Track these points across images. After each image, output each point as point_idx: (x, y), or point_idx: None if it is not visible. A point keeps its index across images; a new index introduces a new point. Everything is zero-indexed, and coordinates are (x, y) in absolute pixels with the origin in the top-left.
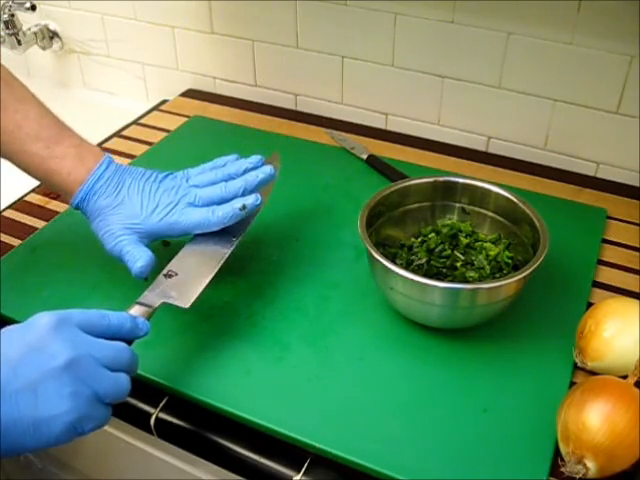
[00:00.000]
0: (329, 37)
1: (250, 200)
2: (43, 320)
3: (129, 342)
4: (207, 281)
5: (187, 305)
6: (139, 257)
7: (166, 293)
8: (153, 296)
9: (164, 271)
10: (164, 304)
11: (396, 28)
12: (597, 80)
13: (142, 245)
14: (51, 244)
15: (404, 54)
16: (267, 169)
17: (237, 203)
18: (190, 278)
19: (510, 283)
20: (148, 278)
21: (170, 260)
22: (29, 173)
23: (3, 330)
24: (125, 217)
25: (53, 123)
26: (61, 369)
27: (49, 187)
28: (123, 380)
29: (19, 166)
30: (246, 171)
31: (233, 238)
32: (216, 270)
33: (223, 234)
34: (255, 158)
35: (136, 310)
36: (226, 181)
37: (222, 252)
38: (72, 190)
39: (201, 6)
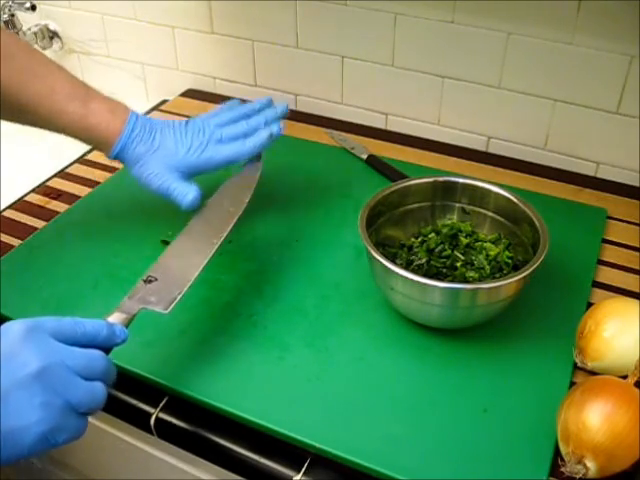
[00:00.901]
0: (329, 37)
1: (275, 129)
2: (14, 328)
3: (108, 350)
4: (188, 285)
5: (167, 310)
6: (187, 191)
7: (145, 299)
8: (132, 303)
9: (143, 277)
10: (143, 310)
11: (396, 28)
12: (597, 80)
13: (187, 181)
14: (51, 244)
15: (404, 54)
16: (281, 105)
17: (264, 132)
18: (170, 283)
19: (510, 283)
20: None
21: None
22: (67, 132)
23: None
24: (165, 158)
25: (80, 82)
26: (32, 378)
27: (87, 142)
28: (98, 389)
29: (57, 128)
30: (260, 109)
31: (214, 241)
32: (197, 274)
33: (204, 237)
34: (265, 98)
35: (115, 317)
36: (245, 119)
37: (203, 256)
38: (111, 141)
39: (201, 6)
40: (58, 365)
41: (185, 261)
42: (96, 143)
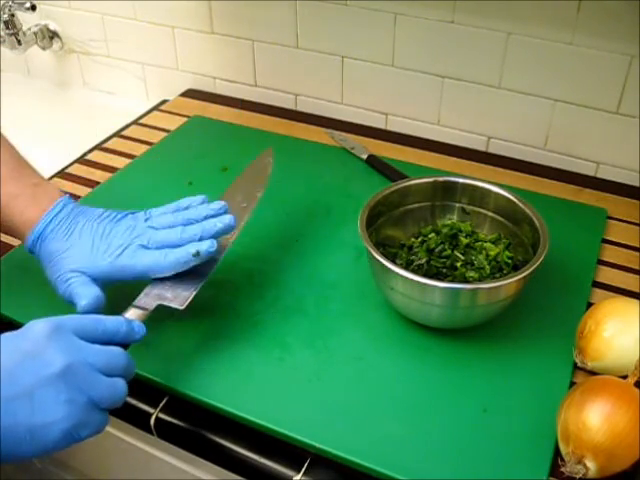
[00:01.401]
0: (329, 37)
1: (204, 246)
2: (38, 327)
3: (125, 346)
4: (202, 282)
5: (182, 306)
6: (84, 295)
7: (162, 295)
8: (149, 299)
9: None
10: (160, 306)
11: (396, 28)
12: (597, 80)
13: (92, 285)
14: None
15: (404, 54)
16: (226, 219)
17: (191, 248)
18: (185, 280)
19: (510, 283)
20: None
21: None
22: None
23: None
24: (74, 261)
25: (12, 159)
26: (57, 376)
27: (4, 230)
28: (119, 385)
29: None
30: (206, 217)
31: (228, 238)
32: (212, 271)
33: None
34: (218, 204)
35: (132, 313)
36: (184, 225)
37: (217, 252)
38: (24, 232)
39: (201, 6)
40: (81, 363)
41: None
42: (11, 232)
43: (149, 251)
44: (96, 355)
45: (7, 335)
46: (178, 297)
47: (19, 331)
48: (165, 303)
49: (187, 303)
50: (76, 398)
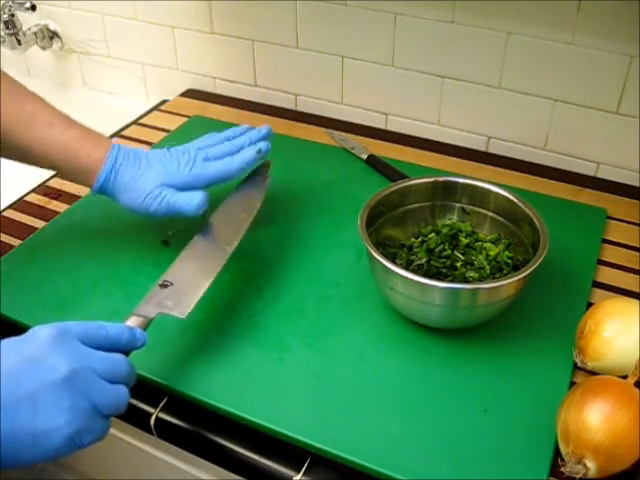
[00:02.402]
0: (329, 37)
1: (262, 145)
2: (42, 332)
3: (126, 353)
4: (203, 290)
5: (184, 315)
6: (191, 197)
7: (162, 304)
8: (149, 307)
9: (159, 281)
10: (160, 314)
11: (396, 28)
12: (597, 80)
13: (186, 191)
14: (51, 244)
15: (404, 54)
16: (265, 127)
17: (251, 149)
18: (186, 288)
19: (510, 283)
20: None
21: (168, 264)
22: (48, 161)
23: (2, 342)
24: (155, 180)
25: (58, 111)
26: (60, 381)
27: (70, 173)
28: (122, 392)
29: (37, 157)
30: (242, 133)
31: (227, 248)
32: (212, 280)
33: (217, 243)
34: (245, 126)
35: (133, 321)
36: (228, 140)
37: (217, 261)
38: (94, 170)
39: (201, 6)
40: (85, 369)
41: (200, 266)
42: (79, 173)
43: (213, 162)
44: (100, 361)
45: (11, 340)
46: (179, 306)
47: (24, 336)
48: (166, 312)
49: (189, 312)
50: (79, 404)
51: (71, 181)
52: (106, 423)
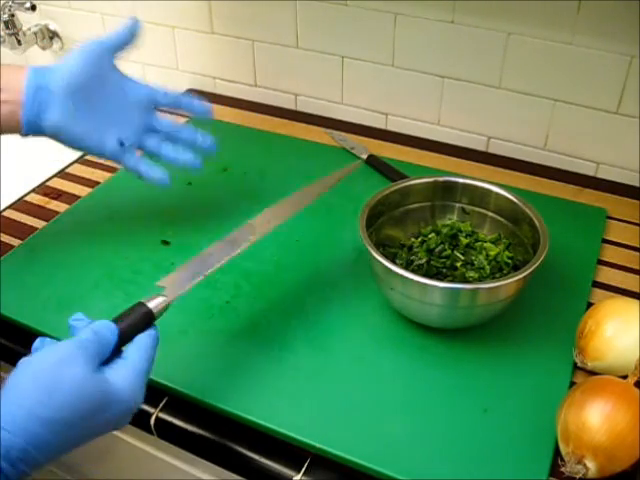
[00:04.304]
0: (329, 37)
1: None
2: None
3: (152, 320)
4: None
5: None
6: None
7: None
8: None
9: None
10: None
11: (396, 28)
12: (597, 80)
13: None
14: (51, 244)
15: (404, 54)
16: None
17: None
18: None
19: (510, 283)
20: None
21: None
22: None
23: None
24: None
25: None
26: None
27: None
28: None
29: None
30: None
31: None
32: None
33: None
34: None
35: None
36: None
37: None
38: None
39: (201, 6)
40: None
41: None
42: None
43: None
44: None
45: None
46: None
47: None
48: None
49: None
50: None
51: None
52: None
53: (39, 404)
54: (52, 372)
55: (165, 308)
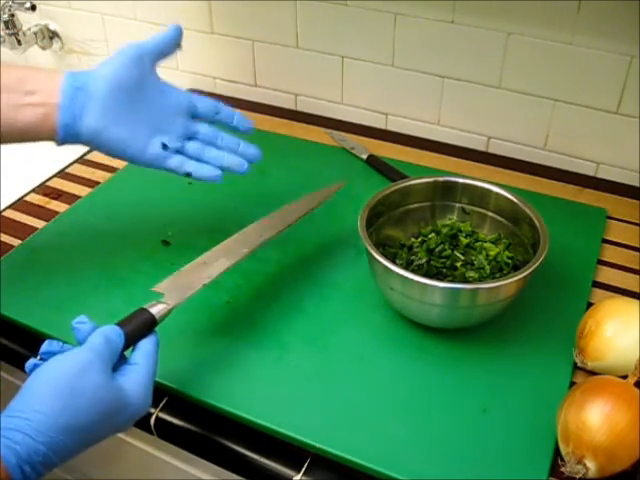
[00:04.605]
0: (329, 37)
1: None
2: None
3: (154, 325)
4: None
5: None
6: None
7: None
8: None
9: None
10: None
11: (396, 28)
12: (597, 80)
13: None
14: (51, 244)
15: (404, 54)
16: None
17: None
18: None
19: (510, 283)
20: None
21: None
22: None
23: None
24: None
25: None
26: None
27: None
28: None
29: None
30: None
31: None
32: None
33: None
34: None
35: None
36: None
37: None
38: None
39: (201, 6)
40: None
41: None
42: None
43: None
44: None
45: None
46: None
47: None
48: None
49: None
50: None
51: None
52: None
53: (60, 411)
54: (72, 379)
55: (166, 315)
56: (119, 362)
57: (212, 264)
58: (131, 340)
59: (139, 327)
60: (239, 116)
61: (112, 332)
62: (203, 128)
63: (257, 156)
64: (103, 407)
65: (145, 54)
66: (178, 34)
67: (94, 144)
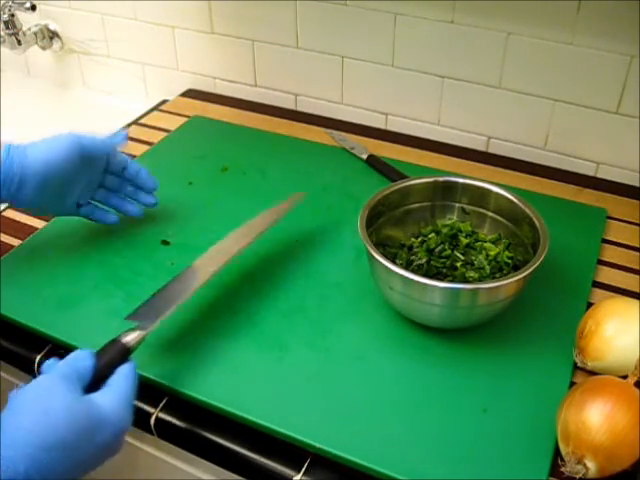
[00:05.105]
0: (329, 37)
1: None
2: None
3: (128, 354)
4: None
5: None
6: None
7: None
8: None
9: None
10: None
11: (396, 28)
12: (597, 80)
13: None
14: (51, 244)
15: (404, 54)
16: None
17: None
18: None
19: (510, 283)
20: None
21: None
22: None
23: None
24: None
25: None
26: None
27: None
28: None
29: None
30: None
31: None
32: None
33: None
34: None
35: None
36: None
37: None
38: None
39: (201, 6)
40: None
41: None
42: None
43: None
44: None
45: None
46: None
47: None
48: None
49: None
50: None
51: None
52: None
53: (37, 424)
54: (45, 395)
55: (140, 342)
56: (98, 386)
57: (185, 282)
58: (106, 370)
59: (113, 357)
60: (146, 175)
61: (77, 354)
62: (111, 180)
63: (152, 205)
64: (78, 421)
65: (79, 147)
66: (119, 142)
67: (14, 206)
